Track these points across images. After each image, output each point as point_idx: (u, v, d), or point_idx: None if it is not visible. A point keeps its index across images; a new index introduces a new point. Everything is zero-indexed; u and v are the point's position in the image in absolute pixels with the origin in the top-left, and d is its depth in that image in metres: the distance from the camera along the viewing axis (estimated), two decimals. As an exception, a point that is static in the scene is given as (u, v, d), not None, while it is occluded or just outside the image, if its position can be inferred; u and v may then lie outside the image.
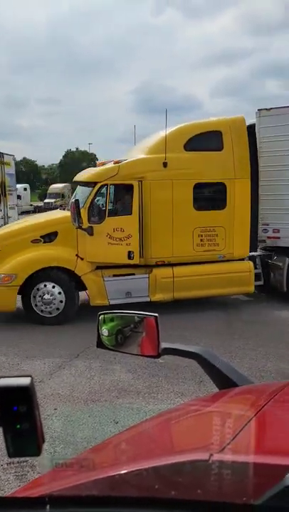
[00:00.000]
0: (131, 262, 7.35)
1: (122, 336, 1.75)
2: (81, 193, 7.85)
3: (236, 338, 6.39)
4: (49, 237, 7.44)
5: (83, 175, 8.16)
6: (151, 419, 1.32)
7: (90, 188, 7.47)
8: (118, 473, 0.82)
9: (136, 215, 7.29)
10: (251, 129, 8.18)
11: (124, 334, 1.74)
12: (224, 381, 1.47)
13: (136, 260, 7.34)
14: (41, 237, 7.42)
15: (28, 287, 7.24)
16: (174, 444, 1.11)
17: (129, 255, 7.31)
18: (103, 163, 8.08)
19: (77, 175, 8.58)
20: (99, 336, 1.74)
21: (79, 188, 8.27)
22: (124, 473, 0.81)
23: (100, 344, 1.75)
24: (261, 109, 8.83)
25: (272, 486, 0.67)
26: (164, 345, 1.61)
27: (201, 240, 7.86)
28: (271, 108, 8.89)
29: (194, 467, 0.79)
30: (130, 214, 7.31)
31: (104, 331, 1.75)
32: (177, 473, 0.79)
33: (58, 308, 7.32)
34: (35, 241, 7.40)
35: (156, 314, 1.62)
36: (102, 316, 1.76)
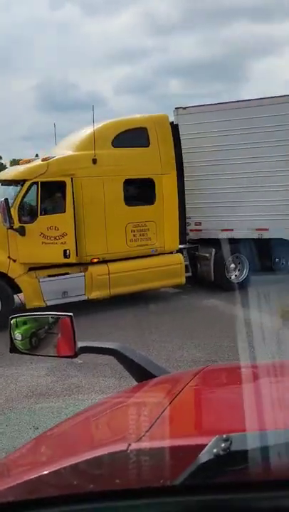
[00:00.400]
0: (67, 260, 7.21)
1: (36, 338, 1.71)
2: (6, 193, 7.51)
3: (154, 331, 6.39)
4: (-24, 240, 7.00)
5: (9, 173, 7.83)
6: (69, 419, 1.32)
7: (18, 187, 7.19)
8: (36, 475, 0.81)
9: (70, 213, 7.16)
10: (176, 127, 8.46)
11: (38, 337, 1.71)
12: (142, 374, 1.49)
13: (72, 259, 7.22)
14: None
15: None
16: (93, 439, 1.13)
17: (65, 254, 7.16)
18: (28, 161, 7.80)
19: (1, 173, 8.18)
20: (12, 340, 1.70)
21: (1, 188, 7.90)
22: (43, 475, 0.81)
23: (14, 349, 1.71)
24: (178, 108, 9.20)
25: (188, 466, 0.72)
26: (80, 344, 1.60)
27: (134, 235, 7.96)
28: (187, 107, 9.32)
29: (113, 459, 0.81)
30: (64, 212, 7.17)
31: (18, 335, 1.71)
32: (96, 467, 0.81)
33: None
34: None
35: (70, 314, 1.61)
36: (14, 319, 1.71)
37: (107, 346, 1.66)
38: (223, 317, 6.95)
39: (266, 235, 8.73)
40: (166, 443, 0.86)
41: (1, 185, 7.94)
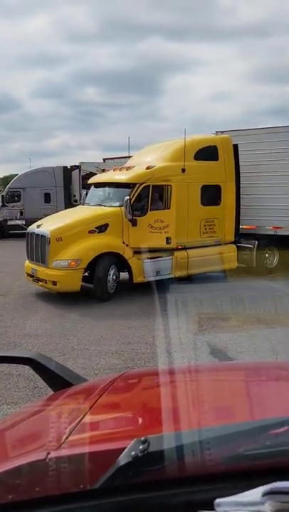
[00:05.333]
0: (168, 246, 9.39)
1: None
2: (106, 193, 9.58)
3: (70, 339, 6.49)
4: (102, 228, 8.99)
5: (117, 177, 9.76)
6: None
7: (129, 189, 9.22)
8: None
9: (174, 209, 9.36)
10: (236, 146, 10.86)
11: None
12: (59, 383, 1.48)
13: (173, 244, 9.41)
14: (96, 228, 8.94)
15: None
16: (11, 450, 1.09)
17: (167, 240, 9.35)
18: (128, 168, 9.86)
19: (100, 177, 10.17)
20: None
21: (101, 190, 9.93)
22: None
23: None
24: (217, 132, 11.70)
25: (107, 470, 0.77)
26: None
27: (205, 229, 10.27)
28: (224, 131, 11.78)
29: (32, 468, 0.82)
30: (169, 208, 9.35)
31: None
32: (15, 477, 0.81)
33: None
34: (91, 231, 8.89)
35: None
36: None
37: (21, 355, 1.63)
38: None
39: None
40: (86, 449, 0.88)
41: (99, 186, 9.96)
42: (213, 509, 0.71)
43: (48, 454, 0.84)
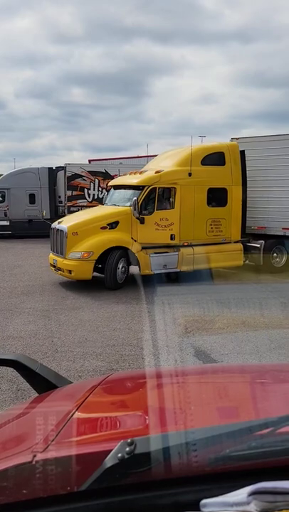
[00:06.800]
0: (172, 242, 10.44)
1: None
2: (121, 194, 10.78)
3: (54, 341, 6.50)
4: (113, 225, 10.20)
5: (128, 181, 10.97)
6: None
7: (139, 191, 10.37)
8: None
9: (178, 209, 10.43)
10: (243, 152, 11.73)
11: None
12: (44, 385, 1.48)
13: (176, 241, 10.45)
14: (107, 224, 10.17)
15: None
16: None
17: (171, 237, 10.42)
18: (137, 172, 11.03)
19: (116, 180, 11.43)
20: None
21: (117, 191, 11.16)
22: None
23: None
24: (233, 138, 12.54)
25: (94, 471, 0.77)
26: None
27: (211, 228, 11.21)
28: (239, 138, 12.62)
29: (18, 471, 0.82)
30: (173, 208, 10.42)
31: None
32: (1, 480, 0.82)
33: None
34: (103, 228, 10.13)
35: None
36: None
37: (5, 357, 1.62)
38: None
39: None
40: (72, 451, 0.88)
41: (116, 189, 11.18)
42: (199, 510, 0.72)
43: (35, 456, 0.84)
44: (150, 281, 9.41)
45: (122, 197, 11.07)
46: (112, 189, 11.67)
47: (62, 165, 21.33)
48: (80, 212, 12.52)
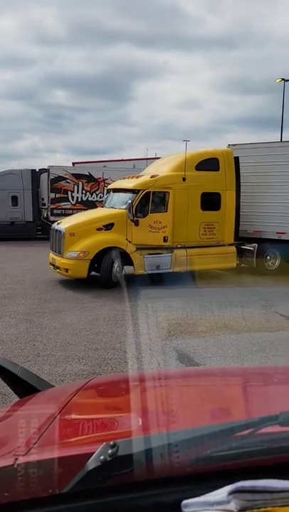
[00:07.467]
0: (165, 244, 10.90)
1: None
2: (120, 197, 11.29)
3: (36, 344, 6.45)
4: (108, 227, 10.72)
5: (124, 184, 11.49)
6: None
7: (134, 194, 10.86)
8: None
9: (171, 212, 10.89)
10: (237, 158, 12.14)
11: None
12: (25, 389, 1.47)
13: (169, 243, 10.91)
14: (103, 226, 10.69)
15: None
16: None
17: (164, 239, 10.88)
18: (134, 176, 11.53)
19: (114, 184, 11.94)
20: None
21: (116, 194, 11.67)
22: None
23: None
24: (230, 145, 12.95)
25: (76, 474, 0.78)
26: None
27: (205, 231, 11.63)
28: (236, 144, 13.03)
29: (0, 474, 0.83)
30: (166, 211, 10.89)
31: None
32: None
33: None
34: (99, 229, 10.65)
35: None
36: None
37: None
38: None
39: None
40: (55, 454, 0.89)
41: (115, 192, 11.68)
42: (180, 510, 0.73)
43: (16, 459, 0.84)
44: (134, 283, 9.73)
45: (119, 200, 11.56)
46: (111, 192, 12.19)
47: (46, 167, 21.43)
48: (78, 214, 13.10)
